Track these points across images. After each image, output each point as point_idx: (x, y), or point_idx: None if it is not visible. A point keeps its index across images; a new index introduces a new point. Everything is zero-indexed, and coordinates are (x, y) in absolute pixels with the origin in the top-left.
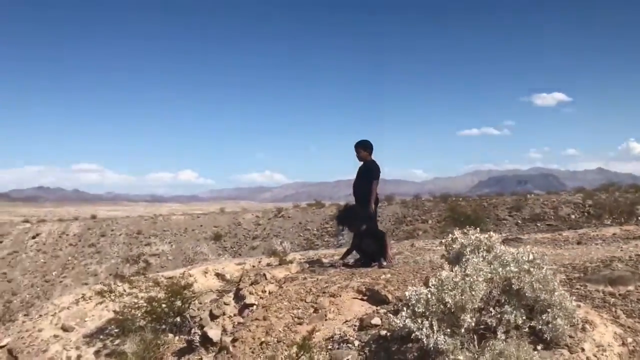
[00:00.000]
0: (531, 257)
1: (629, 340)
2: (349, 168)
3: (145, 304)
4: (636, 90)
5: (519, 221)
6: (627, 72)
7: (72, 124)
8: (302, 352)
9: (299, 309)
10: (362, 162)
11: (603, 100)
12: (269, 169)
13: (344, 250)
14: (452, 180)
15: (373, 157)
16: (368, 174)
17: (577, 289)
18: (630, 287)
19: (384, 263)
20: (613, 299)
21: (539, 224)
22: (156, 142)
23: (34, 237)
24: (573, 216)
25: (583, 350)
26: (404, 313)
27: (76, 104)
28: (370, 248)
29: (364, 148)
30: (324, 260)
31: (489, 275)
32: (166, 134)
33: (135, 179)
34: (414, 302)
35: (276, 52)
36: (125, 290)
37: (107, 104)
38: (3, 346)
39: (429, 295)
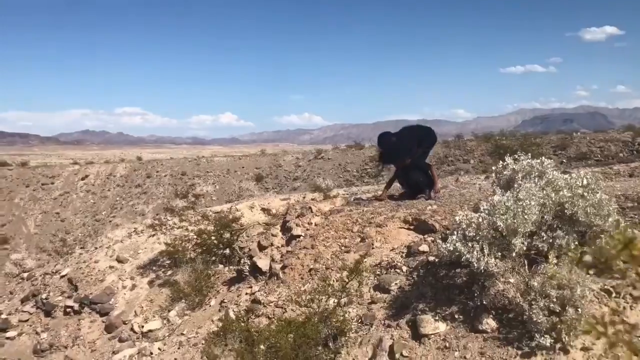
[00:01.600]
0: (585, 182)
1: None
2: (388, 109)
3: (195, 237)
4: None
5: (564, 160)
6: None
7: (115, 67)
8: (353, 276)
9: (345, 238)
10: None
11: None
12: (308, 111)
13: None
14: (495, 119)
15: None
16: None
17: (631, 217)
18: None
19: (432, 194)
20: None
21: (585, 162)
22: (197, 84)
23: (83, 179)
24: (622, 154)
25: (638, 274)
26: (454, 237)
27: (119, 46)
28: (414, 180)
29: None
30: (368, 195)
31: (542, 200)
32: (207, 77)
33: (177, 122)
34: (464, 226)
35: None
36: (175, 224)
37: (149, 46)
38: (64, 276)
39: (480, 219)
